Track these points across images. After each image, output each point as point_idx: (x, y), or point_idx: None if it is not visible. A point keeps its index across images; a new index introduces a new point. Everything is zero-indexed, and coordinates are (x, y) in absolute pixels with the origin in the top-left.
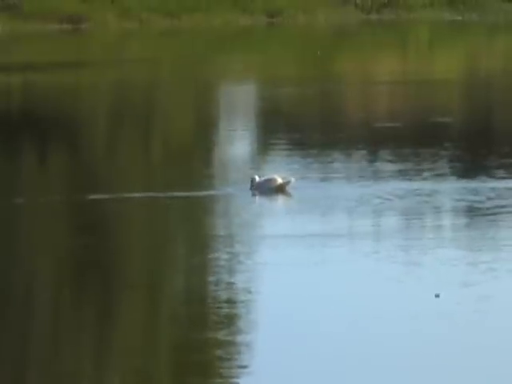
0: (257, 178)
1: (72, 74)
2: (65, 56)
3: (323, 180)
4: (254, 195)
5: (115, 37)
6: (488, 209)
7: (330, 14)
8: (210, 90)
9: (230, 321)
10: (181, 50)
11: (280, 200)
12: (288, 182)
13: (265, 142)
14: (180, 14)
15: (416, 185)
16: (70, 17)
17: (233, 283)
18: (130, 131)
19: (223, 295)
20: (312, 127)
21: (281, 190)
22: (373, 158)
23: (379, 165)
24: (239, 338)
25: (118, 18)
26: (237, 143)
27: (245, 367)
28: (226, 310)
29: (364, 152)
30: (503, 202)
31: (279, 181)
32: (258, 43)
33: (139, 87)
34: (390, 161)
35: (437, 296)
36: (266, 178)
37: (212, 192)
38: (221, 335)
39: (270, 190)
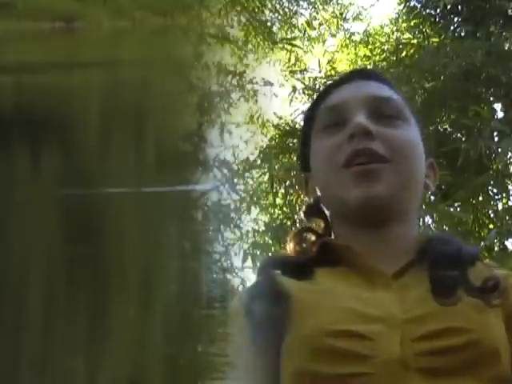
0: None
1: (64, 73)
2: (57, 55)
3: None
4: None
5: (108, 36)
6: None
7: None
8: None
9: (222, 329)
10: (174, 49)
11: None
12: None
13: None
14: (174, 13)
15: None
16: (62, 15)
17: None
18: (122, 131)
19: (215, 301)
20: None
21: None
22: None
23: None
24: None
25: (110, 17)
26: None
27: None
28: (220, 315)
29: None
30: None
31: None
32: None
33: (132, 86)
34: None
35: None
36: None
37: (203, 188)
38: (213, 343)
39: None
